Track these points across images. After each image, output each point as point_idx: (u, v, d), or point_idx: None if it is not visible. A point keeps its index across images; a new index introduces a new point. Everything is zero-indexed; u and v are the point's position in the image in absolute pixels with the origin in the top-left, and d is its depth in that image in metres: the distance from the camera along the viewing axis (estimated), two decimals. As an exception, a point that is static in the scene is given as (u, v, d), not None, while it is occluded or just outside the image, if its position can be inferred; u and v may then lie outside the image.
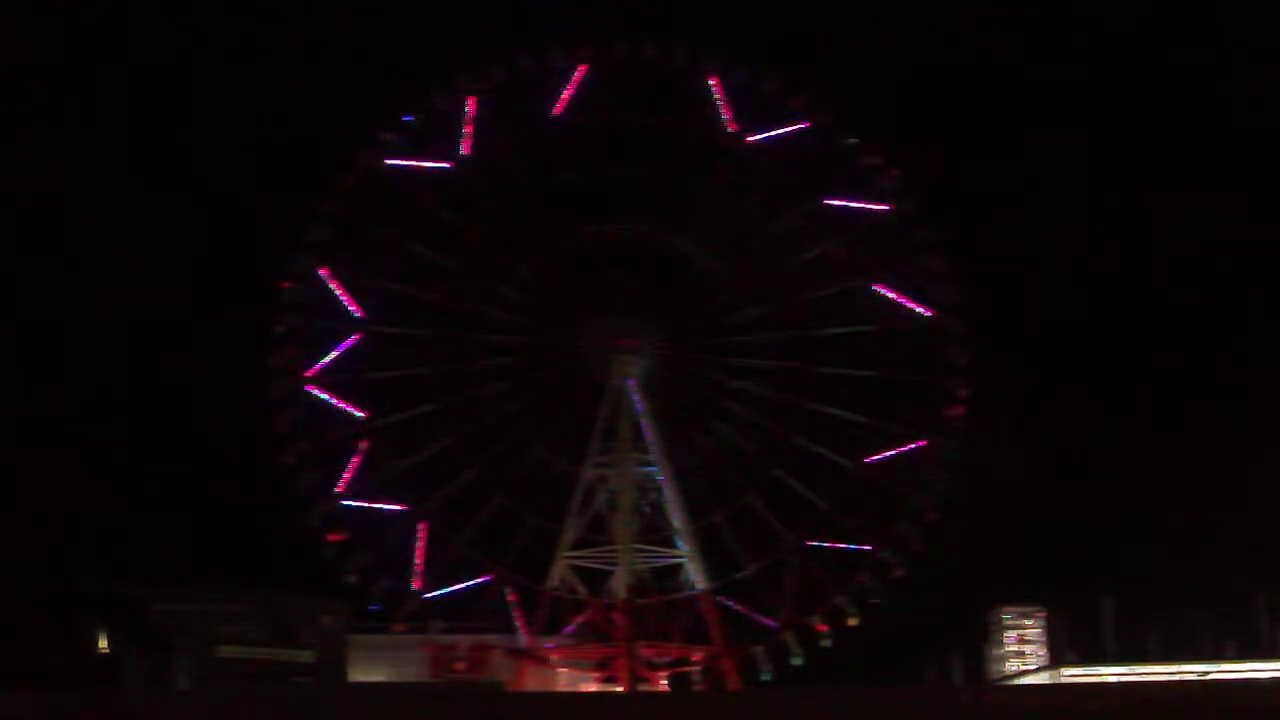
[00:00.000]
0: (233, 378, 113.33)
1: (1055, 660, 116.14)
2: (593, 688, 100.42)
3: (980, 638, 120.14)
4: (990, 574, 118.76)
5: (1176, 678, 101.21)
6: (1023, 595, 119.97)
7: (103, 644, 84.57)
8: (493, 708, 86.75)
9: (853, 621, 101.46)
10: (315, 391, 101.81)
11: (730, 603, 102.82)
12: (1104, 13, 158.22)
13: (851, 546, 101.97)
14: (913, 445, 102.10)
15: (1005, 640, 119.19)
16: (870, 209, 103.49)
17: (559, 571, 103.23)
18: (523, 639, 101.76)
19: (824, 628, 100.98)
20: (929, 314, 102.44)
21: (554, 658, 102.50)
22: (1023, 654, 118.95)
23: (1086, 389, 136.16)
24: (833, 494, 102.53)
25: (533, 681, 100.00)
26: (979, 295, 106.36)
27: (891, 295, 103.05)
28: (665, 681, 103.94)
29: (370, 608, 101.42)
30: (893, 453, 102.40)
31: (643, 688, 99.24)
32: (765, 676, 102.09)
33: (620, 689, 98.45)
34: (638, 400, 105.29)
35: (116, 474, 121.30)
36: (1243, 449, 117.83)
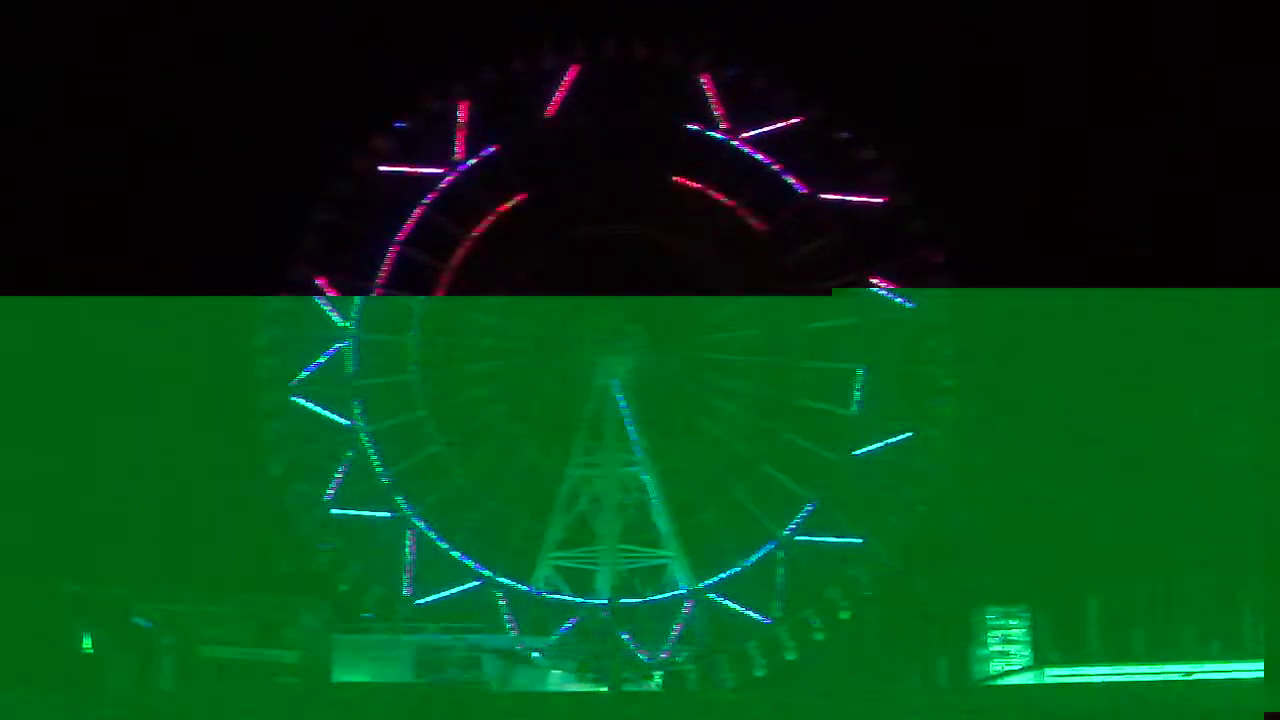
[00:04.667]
0: (226, 373, 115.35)
1: (1039, 661, 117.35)
2: (579, 688, 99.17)
3: (964, 638, 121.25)
4: (973, 574, 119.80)
5: (1161, 678, 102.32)
6: (1006, 596, 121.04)
7: (86, 645, 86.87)
8: (479, 708, 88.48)
9: (845, 615, 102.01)
10: (301, 400, 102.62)
11: (721, 599, 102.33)
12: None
13: (841, 540, 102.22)
14: (900, 437, 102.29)
15: (989, 641, 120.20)
16: (866, 202, 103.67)
17: (544, 573, 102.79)
18: (513, 640, 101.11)
19: (816, 621, 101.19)
20: (913, 305, 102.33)
21: (541, 659, 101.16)
22: (1007, 654, 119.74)
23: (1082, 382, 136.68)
24: (821, 488, 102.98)
25: (523, 683, 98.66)
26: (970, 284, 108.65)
27: (885, 287, 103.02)
28: (657, 680, 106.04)
29: (363, 615, 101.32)
30: (881, 445, 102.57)
31: (628, 687, 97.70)
32: (759, 672, 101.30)
33: (605, 689, 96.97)
34: (622, 399, 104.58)
35: (102, 475, 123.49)
36: (1231, 446, 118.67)
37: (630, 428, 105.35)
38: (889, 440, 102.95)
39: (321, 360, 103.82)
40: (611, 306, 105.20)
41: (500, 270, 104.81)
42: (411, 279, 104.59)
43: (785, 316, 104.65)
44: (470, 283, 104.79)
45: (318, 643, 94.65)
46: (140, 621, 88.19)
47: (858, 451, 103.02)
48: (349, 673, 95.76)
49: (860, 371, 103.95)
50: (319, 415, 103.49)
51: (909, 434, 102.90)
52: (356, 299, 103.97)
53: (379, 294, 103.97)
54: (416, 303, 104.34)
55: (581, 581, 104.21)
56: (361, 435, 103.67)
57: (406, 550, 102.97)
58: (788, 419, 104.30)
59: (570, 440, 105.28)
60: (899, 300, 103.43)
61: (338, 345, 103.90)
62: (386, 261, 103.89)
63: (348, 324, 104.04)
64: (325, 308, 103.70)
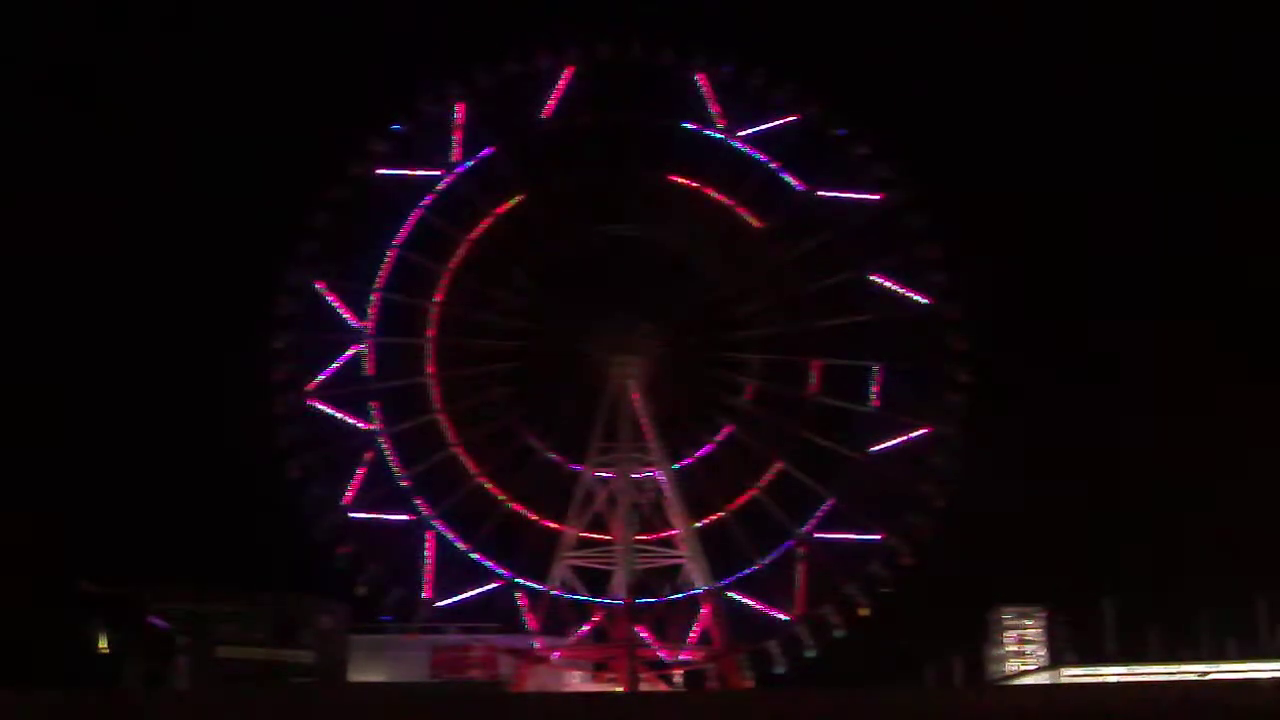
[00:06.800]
0: (235, 379, 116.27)
1: (1055, 660, 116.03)
2: (596, 688, 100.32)
3: (980, 638, 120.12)
4: (990, 574, 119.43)
5: (1176, 678, 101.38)
6: (1023, 595, 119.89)
7: (102, 644, 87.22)
8: (494, 708, 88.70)
9: (864, 612, 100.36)
10: (317, 405, 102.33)
11: (741, 598, 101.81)
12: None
13: (860, 536, 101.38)
14: (917, 433, 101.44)
15: (1005, 640, 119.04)
16: (863, 199, 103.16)
17: (559, 573, 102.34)
18: (532, 641, 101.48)
19: (836, 618, 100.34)
20: (927, 301, 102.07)
21: (558, 659, 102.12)
22: (1023, 654, 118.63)
23: (1087, 384, 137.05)
24: (839, 485, 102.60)
25: (540, 683, 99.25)
26: (976, 282, 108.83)
27: (888, 284, 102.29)
28: (679, 679, 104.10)
29: (383, 618, 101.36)
30: (897, 441, 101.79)
31: (644, 687, 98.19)
32: (779, 670, 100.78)
33: (621, 689, 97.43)
34: (637, 399, 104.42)
35: (117, 474, 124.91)
36: (1244, 448, 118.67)
37: (646, 427, 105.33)
38: (906, 437, 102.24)
39: (337, 364, 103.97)
40: (626, 306, 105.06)
41: (501, 271, 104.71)
42: (411, 281, 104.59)
43: (799, 314, 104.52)
44: (472, 284, 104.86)
45: (334, 643, 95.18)
46: (157, 622, 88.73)
47: (875, 448, 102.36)
48: (365, 672, 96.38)
49: (876, 368, 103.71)
50: (336, 419, 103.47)
51: (924, 430, 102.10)
52: (370, 301, 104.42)
53: (378, 297, 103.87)
54: (430, 305, 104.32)
55: (598, 582, 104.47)
56: (379, 438, 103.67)
57: (425, 552, 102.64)
58: (804, 416, 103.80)
59: (586, 441, 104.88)
60: (912, 296, 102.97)
61: (353, 348, 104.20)
62: (385, 264, 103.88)
63: (361, 327, 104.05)
64: (340, 311, 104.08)
